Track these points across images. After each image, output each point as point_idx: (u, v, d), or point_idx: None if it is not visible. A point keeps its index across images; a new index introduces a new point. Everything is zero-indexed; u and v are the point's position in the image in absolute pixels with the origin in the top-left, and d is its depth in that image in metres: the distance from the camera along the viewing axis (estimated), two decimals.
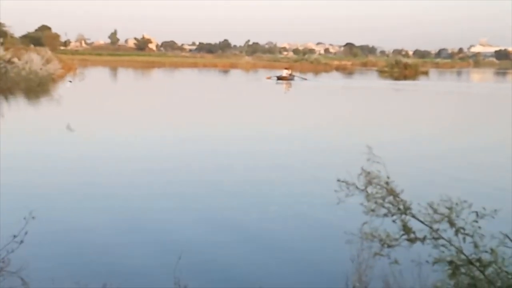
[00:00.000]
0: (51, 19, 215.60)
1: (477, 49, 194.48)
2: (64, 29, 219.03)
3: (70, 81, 25.89)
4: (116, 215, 9.48)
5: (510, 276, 3.56)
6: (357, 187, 3.94)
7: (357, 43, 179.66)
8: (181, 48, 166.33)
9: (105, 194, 10.71)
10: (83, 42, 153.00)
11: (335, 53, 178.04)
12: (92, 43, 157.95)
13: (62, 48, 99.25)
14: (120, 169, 12.92)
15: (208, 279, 6.87)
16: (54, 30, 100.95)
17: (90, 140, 16.78)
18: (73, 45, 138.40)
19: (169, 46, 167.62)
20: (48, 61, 44.72)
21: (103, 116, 23.79)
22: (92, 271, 6.99)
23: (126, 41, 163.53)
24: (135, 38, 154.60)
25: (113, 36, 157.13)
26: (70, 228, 8.70)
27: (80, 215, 9.33)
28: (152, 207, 9.96)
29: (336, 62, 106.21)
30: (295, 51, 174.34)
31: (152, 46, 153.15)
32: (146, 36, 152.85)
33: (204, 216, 9.56)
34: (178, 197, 10.71)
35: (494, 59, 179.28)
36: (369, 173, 3.94)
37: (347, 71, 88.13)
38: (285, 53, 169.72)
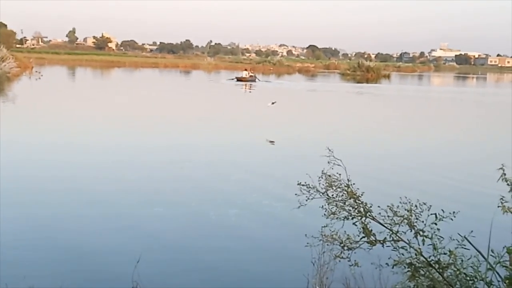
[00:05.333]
0: (7, 16, 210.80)
1: (438, 53, 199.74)
2: (20, 27, 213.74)
3: (273, 103, 25.27)
4: (71, 219, 9.25)
5: (468, 278, 3.58)
6: (317, 190, 3.91)
7: (320, 46, 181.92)
8: (141, 48, 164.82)
9: (60, 198, 10.45)
10: (40, 40, 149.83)
11: (297, 55, 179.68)
12: (50, 41, 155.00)
13: (18, 46, 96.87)
14: (79, 172, 12.63)
15: (167, 283, 6.76)
16: (9, 27, 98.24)
17: (49, 141, 16.39)
18: (29, 43, 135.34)
19: (129, 45, 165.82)
20: (3, 59, 43.59)
21: (62, 117, 23.29)
22: (47, 277, 6.79)
23: (84, 39, 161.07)
24: (94, 37, 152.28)
25: (71, 34, 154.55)
26: (24, 232, 8.45)
27: (34, 220, 9.08)
28: (108, 212, 9.77)
29: (299, 64, 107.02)
30: (258, 52, 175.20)
31: (111, 45, 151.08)
32: (106, 35, 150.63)
33: (163, 221, 9.42)
34: (136, 201, 10.52)
35: (454, 64, 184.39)
36: (329, 176, 3.92)
37: (310, 74, 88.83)
38: (247, 54, 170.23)
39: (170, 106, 30.10)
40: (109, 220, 9.22)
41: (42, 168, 12.76)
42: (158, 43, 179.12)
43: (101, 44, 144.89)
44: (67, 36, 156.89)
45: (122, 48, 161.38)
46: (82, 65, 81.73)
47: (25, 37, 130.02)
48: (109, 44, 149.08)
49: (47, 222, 8.98)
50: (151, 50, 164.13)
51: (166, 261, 7.53)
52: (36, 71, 52.53)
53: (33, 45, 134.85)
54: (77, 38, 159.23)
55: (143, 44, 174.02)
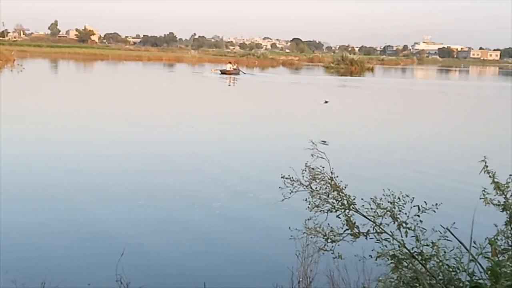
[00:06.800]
0: None
1: (421, 46, 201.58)
2: (1, 19, 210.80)
3: (327, 101, 25.15)
4: (54, 213, 9.17)
5: (451, 269, 3.60)
6: (301, 183, 3.90)
7: (303, 39, 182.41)
8: (125, 41, 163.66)
9: (42, 192, 10.36)
10: (21, 32, 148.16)
11: (281, 48, 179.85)
12: (31, 34, 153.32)
13: None
14: (57, 167, 12.49)
15: (151, 276, 6.74)
16: None
17: (25, 136, 16.22)
18: (11, 35, 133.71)
19: (112, 38, 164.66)
20: None
21: (46, 110, 23.07)
22: (30, 270, 6.73)
23: (67, 32, 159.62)
24: (77, 30, 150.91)
25: (54, 27, 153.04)
26: (6, 226, 8.35)
27: (16, 213, 8.97)
28: (92, 205, 9.69)
29: (283, 58, 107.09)
30: (242, 45, 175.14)
31: (94, 38, 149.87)
32: (88, 28, 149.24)
33: (147, 213, 9.37)
34: (120, 194, 10.47)
35: (437, 57, 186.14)
36: (313, 169, 3.91)
37: (294, 67, 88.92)
38: (231, 47, 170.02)
39: (154, 100, 29.93)
40: (91, 212, 9.16)
41: (24, 161, 12.62)
42: (141, 36, 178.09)
43: (84, 36, 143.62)
44: (49, 28, 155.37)
45: (105, 41, 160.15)
46: (65, 58, 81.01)
47: (6, 30, 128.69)
48: (92, 37, 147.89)
49: (26, 215, 8.88)
50: (134, 43, 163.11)
51: (150, 254, 7.50)
52: (18, 64, 51.98)
53: (14, 37, 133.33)
54: (60, 31, 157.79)
55: (126, 37, 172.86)
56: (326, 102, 25.47)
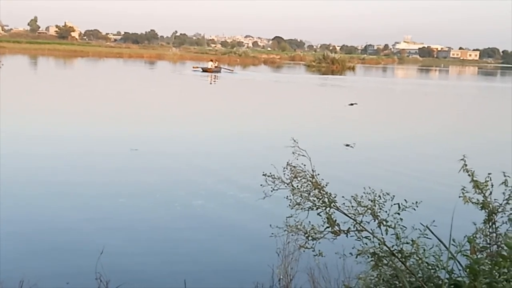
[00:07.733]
0: None
1: (401, 46, 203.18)
2: None
3: (352, 104, 22.77)
4: (32, 212, 9.06)
5: (430, 267, 3.62)
6: (282, 181, 3.89)
7: (285, 37, 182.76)
8: (105, 38, 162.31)
9: (19, 191, 10.20)
10: (0, 28, 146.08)
11: (263, 47, 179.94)
12: (11, 30, 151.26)
13: None
14: (34, 165, 12.32)
15: (131, 274, 6.70)
16: None
17: (12, 131, 15.99)
18: None
19: (93, 35, 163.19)
20: None
21: (27, 106, 22.77)
22: (8, 269, 6.64)
23: (47, 28, 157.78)
24: (57, 26, 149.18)
25: (33, 23, 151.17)
26: None
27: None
28: (71, 204, 9.59)
29: (264, 56, 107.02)
30: (223, 43, 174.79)
31: (74, 34, 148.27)
32: (69, 24, 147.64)
33: (126, 212, 9.30)
34: (99, 193, 10.36)
35: (417, 56, 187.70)
36: (294, 167, 3.90)
37: (276, 65, 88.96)
38: (213, 45, 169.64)
39: (135, 98, 29.73)
40: (71, 211, 9.06)
41: (4, 159, 12.43)
42: (122, 33, 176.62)
43: (64, 33, 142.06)
44: (28, 24, 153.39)
45: (85, 37, 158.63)
46: (44, 55, 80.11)
47: None
48: (72, 33, 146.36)
49: (2, 214, 8.75)
50: (115, 40, 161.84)
51: (130, 253, 7.44)
52: None
53: None
54: (39, 27, 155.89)
55: (107, 34, 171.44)
56: (352, 104, 24.95)
